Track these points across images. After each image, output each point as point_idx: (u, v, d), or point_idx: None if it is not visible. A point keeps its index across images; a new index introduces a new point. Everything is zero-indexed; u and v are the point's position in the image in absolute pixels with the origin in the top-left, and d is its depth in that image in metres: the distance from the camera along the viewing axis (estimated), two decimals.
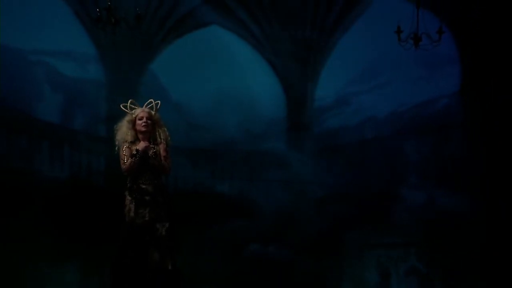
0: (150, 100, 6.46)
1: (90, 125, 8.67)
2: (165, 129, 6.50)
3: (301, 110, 8.88)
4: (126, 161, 6.31)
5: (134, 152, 6.31)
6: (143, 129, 6.36)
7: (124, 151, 6.34)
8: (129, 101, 6.40)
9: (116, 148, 6.39)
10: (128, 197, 6.33)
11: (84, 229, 8.44)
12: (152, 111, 6.44)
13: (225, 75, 8.83)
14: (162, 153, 6.40)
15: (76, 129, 8.66)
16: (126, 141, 6.36)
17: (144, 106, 6.46)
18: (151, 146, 6.36)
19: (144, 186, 6.34)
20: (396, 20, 7.63)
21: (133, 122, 6.38)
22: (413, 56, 8.16)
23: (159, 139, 6.43)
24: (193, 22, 8.78)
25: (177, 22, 8.76)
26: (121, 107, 6.42)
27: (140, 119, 6.37)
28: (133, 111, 6.41)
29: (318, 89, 8.90)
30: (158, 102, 6.45)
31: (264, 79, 8.95)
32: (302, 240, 8.94)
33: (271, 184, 8.92)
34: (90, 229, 8.39)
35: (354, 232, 8.94)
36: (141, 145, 6.35)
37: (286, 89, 8.93)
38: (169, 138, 6.48)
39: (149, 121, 6.37)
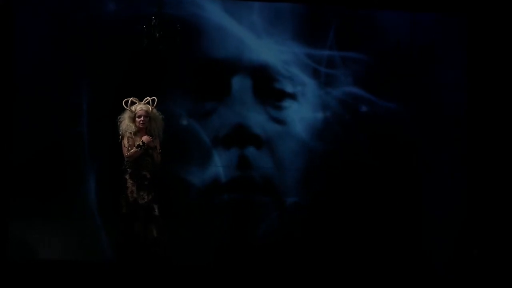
0: (146, 97, 7.52)
1: None
2: (161, 123, 7.55)
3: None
4: (130, 150, 7.39)
5: (140, 143, 7.38)
6: (141, 126, 7.45)
7: (128, 141, 7.42)
8: (131, 98, 7.49)
9: (120, 137, 7.48)
10: (130, 181, 7.44)
11: None
12: (149, 107, 7.49)
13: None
14: (157, 145, 7.51)
15: None
16: (129, 132, 7.44)
17: (143, 102, 7.50)
18: (153, 139, 7.44)
19: (144, 173, 7.44)
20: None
21: (132, 118, 7.46)
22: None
23: (153, 133, 7.50)
24: None
25: None
26: (123, 103, 7.48)
27: (139, 117, 7.43)
28: (132, 107, 7.47)
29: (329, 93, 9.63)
30: (155, 98, 7.50)
31: None
32: None
33: None
34: None
35: None
36: (145, 138, 7.40)
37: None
38: (161, 133, 7.54)
39: (146, 119, 7.44)
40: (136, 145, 7.40)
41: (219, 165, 9.41)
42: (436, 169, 9.59)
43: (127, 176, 7.45)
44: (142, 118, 7.44)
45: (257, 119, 9.48)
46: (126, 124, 7.48)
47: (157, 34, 8.19)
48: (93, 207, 9.20)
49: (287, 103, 9.53)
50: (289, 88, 9.54)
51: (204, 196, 9.40)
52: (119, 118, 7.52)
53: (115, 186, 8.66)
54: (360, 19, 9.55)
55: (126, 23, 9.16)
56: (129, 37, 8.98)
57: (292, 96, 9.53)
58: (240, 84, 9.47)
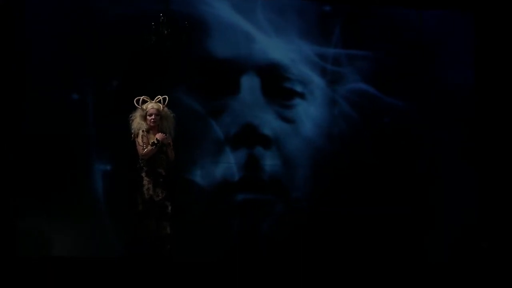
0: (158, 96, 7.56)
1: None
2: (172, 121, 7.58)
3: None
4: (145, 148, 7.42)
5: (155, 141, 7.42)
6: (152, 124, 7.48)
7: (142, 139, 7.44)
8: (142, 97, 7.52)
9: (132, 135, 7.50)
10: (146, 178, 7.44)
11: None
12: (160, 105, 7.52)
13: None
14: (171, 143, 7.55)
15: None
16: (141, 129, 7.46)
17: (154, 100, 7.54)
18: (165, 136, 7.47)
19: (159, 170, 7.47)
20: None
21: (144, 116, 7.49)
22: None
23: (165, 131, 7.52)
24: None
25: None
26: (134, 102, 7.50)
27: (150, 115, 7.47)
28: (144, 106, 7.49)
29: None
30: (166, 97, 7.54)
31: None
32: None
33: None
34: None
35: None
36: (160, 136, 7.44)
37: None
38: (173, 131, 7.57)
39: (157, 117, 7.48)
40: (150, 143, 7.43)
41: (227, 163, 9.45)
42: (445, 165, 9.64)
43: (143, 174, 7.47)
44: (153, 117, 7.47)
45: (266, 118, 9.53)
46: (137, 122, 7.51)
47: (165, 32, 8.20)
48: (101, 204, 9.26)
49: (295, 101, 9.58)
50: (297, 87, 9.58)
51: (211, 194, 9.46)
52: (131, 117, 7.55)
53: (121, 182, 8.97)
54: (366, 16, 9.61)
55: (133, 20, 9.19)
56: (137, 35, 8.94)
57: (300, 95, 9.57)
58: (249, 83, 9.51)
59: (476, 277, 8.96)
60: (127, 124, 7.62)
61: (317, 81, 9.58)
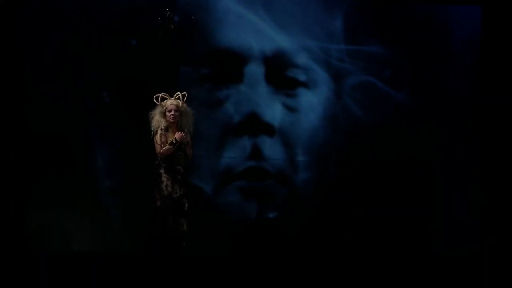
0: (177, 93, 7.65)
1: None
2: (192, 117, 7.67)
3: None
4: (163, 146, 7.51)
5: (174, 141, 7.50)
6: (172, 120, 7.56)
7: (160, 137, 7.54)
8: (161, 94, 7.62)
9: (152, 133, 7.59)
10: (165, 175, 7.54)
11: None
12: (179, 102, 7.62)
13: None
14: (189, 140, 7.65)
15: None
16: (160, 128, 7.55)
17: (173, 97, 7.63)
18: (184, 135, 7.56)
19: (178, 167, 7.58)
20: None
21: (163, 113, 7.58)
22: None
23: (184, 127, 7.62)
24: None
25: None
26: (154, 99, 7.59)
27: (169, 111, 7.55)
28: (163, 103, 7.59)
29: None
30: (185, 94, 7.63)
31: None
32: None
33: None
34: None
35: None
36: (179, 135, 7.51)
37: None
38: (192, 128, 7.67)
39: (176, 113, 7.56)
40: (169, 142, 7.51)
41: (231, 153, 9.48)
42: (446, 164, 9.66)
43: (162, 171, 7.56)
44: (172, 113, 7.54)
45: (270, 108, 9.52)
46: (156, 119, 7.59)
47: (172, 26, 8.31)
48: (103, 203, 9.28)
49: (299, 91, 9.57)
50: (301, 77, 9.58)
51: (215, 186, 9.46)
52: (150, 114, 7.62)
53: (123, 181, 9.14)
54: (370, 12, 9.65)
55: (133, 18, 9.20)
56: (137, 33, 9.12)
57: (305, 85, 9.58)
58: (253, 72, 9.52)
59: (481, 273, 9.11)
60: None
61: (321, 74, 9.60)
